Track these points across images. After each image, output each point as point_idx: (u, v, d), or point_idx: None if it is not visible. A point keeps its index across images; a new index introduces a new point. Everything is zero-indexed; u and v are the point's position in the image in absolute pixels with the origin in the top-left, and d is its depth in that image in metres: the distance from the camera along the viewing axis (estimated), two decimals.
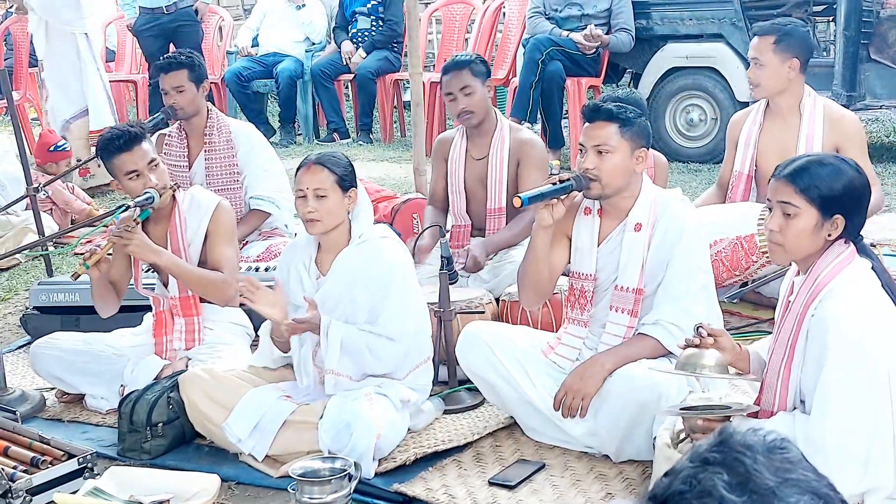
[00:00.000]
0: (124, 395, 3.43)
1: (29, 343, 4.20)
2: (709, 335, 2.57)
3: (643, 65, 7.25)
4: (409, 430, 3.22)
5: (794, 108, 4.10)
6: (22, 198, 5.14)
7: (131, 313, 3.94)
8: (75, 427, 3.57)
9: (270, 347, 3.34)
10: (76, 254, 5.07)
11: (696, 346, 2.57)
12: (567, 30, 7.00)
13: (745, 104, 5.90)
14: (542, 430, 3.18)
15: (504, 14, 8.02)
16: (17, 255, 5.21)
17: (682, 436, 2.71)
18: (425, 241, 4.17)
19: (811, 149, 3.94)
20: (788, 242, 2.46)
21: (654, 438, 2.80)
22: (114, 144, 3.59)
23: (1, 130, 9.04)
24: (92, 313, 3.87)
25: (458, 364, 3.39)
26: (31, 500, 2.90)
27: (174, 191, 3.65)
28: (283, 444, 3.12)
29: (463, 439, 3.19)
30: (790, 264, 2.65)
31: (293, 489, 2.77)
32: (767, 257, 3.38)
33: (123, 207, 3.57)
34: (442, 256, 3.56)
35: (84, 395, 3.72)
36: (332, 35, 8.83)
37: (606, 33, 6.98)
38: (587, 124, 3.06)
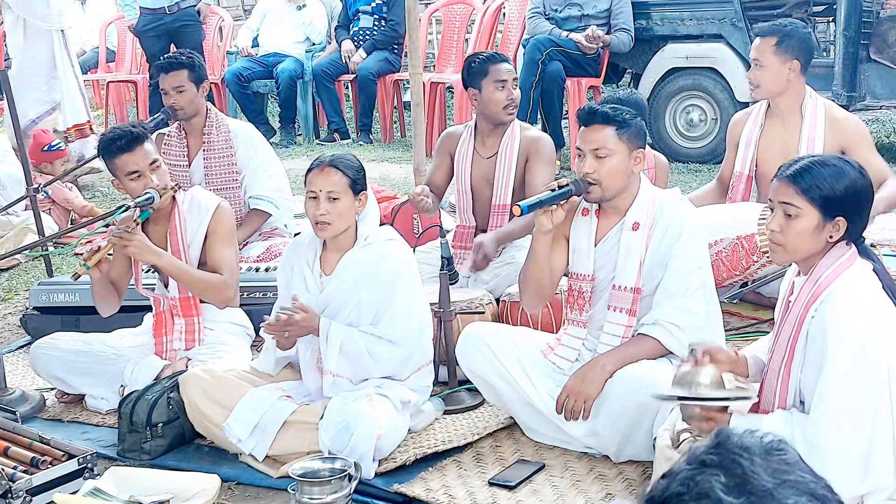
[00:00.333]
0: (124, 395, 3.43)
1: (29, 343, 4.20)
2: (704, 354, 2.53)
3: (643, 65, 7.26)
4: (409, 430, 3.22)
5: (794, 109, 4.10)
6: (22, 198, 5.15)
7: (131, 313, 3.94)
8: (75, 427, 3.57)
9: (273, 347, 3.33)
10: (76, 254, 5.08)
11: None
12: (567, 30, 7.00)
13: (746, 104, 5.90)
14: (542, 431, 3.18)
15: (504, 14, 8.02)
16: (17, 256, 5.20)
17: (683, 436, 2.71)
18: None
19: (812, 150, 3.94)
20: (789, 243, 2.46)
21: (655, 439, 2.80)
22: (116, 144, 3.59)
23: (1, 131, 9.02)
24: (92, 314, 3.88)
25: (458, 364, 3.39)
26: (31, 501, 2.90)
27: (175, 191, 3.65)
28: (284, 444, 3.12)
29: (463, 440, 3.19)
30: (790, 264, 2.65)
31: (293, 489, 2.77)
32: (768, 257, 3.38)
33: (123, 208, 3.57)
34: (442, 256, 3.56)
35: (84, 395, 3.72)
36: (333, 33, 8.83)
37: (606, 33, 6.98)
38: (583, 128, 3.05)
